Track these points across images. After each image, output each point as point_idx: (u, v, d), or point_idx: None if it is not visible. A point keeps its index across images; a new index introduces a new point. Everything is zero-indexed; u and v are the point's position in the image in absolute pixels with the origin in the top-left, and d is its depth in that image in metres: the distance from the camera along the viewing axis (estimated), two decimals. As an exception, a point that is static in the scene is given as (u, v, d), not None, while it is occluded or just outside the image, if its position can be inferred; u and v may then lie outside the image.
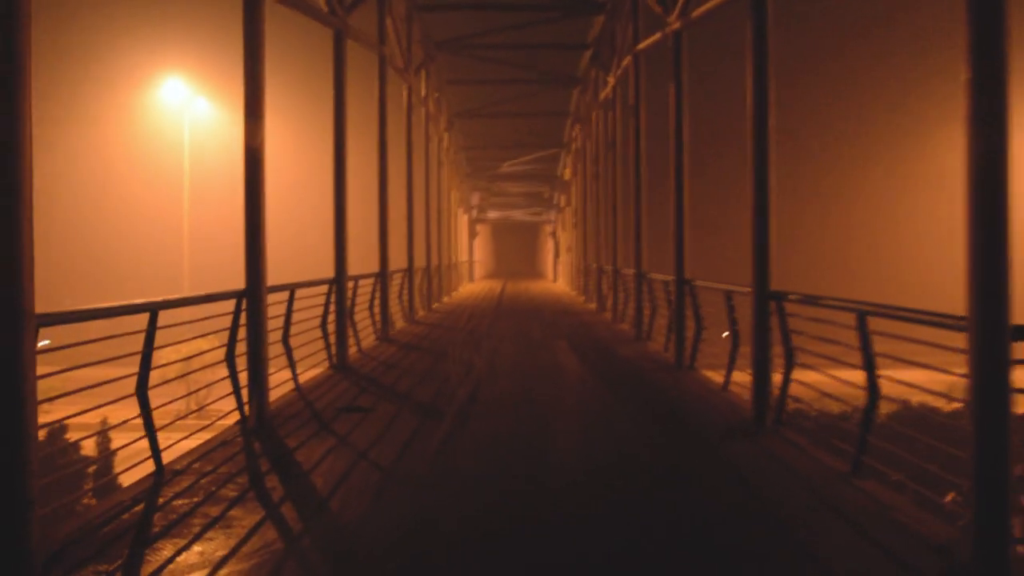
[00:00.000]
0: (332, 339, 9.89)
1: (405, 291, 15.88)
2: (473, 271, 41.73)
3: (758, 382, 6.75)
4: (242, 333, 6.80)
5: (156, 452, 5.16)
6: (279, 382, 8.17)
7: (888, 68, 48.20)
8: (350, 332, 10.60)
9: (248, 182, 6.94)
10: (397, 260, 14.64)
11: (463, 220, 38.14)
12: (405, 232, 16.12)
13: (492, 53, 19.70)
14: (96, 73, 43.14)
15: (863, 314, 5.21)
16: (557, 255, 42.76)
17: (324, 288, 9.84)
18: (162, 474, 5.09)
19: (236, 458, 5.55)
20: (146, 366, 5.10)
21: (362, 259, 12.99)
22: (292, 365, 8.35)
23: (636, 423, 6.99)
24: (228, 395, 6.91)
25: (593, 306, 20.04)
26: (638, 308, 13.13)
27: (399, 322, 15.14)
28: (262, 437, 6.27)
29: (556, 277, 41.50)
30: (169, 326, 6.01)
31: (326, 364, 9.77)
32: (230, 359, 6.63)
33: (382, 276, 13.00)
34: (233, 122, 47.67)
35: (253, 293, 6.82)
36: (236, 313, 6.72)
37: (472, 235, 43.91)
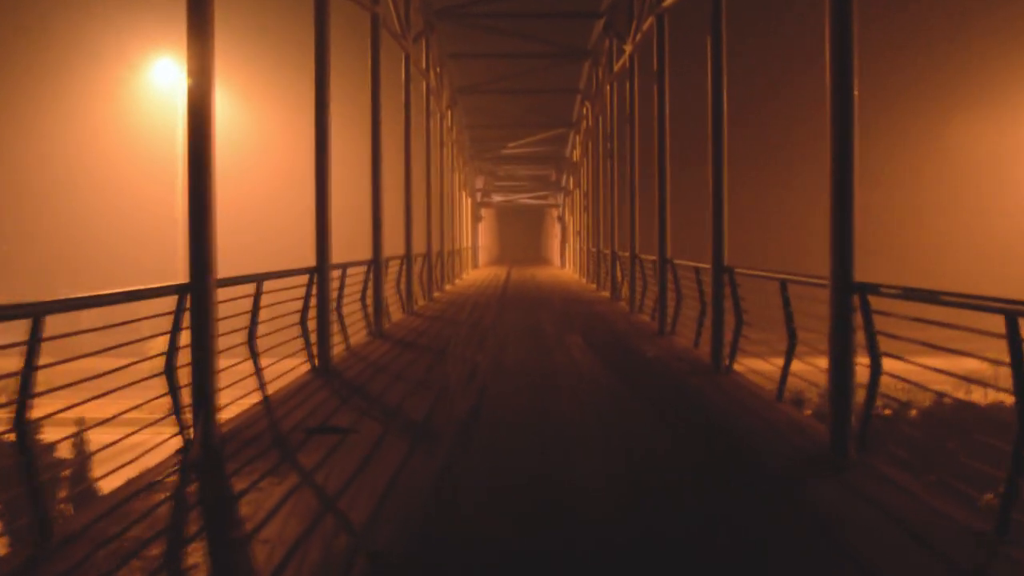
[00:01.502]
0: (314, 338, 8.51)
1: (403, 279, 14.45)
2: (477, 257, 40.28)
3: (838, 398, 5.32)
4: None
5: (42, 517, 3.74)
6: (247, 390, 6.81)
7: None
8: (335, 329, 9.20)
9: (192, 153, 5.50)
10: (395, 246, 13.25)
11: (466, 204, 36.62)
12: (403, 216, 14.70)
13: (496, 23, 18.18)
14: (85, 57, 41.67)
15: (1014, 315, 3.77)
16: (565, 240, 41.29)
17: (304, 279, 8.46)
18: (50, 540, 3.69)
19: (157, 511, 4.13)
20: (24, 392, 3.70)
21: (365, 246, 11.57)
22: (258, 372, 6.94)
23: (680, 452, 5.57)
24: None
25: (606, 294, 18.63)
26: (661, 298, 11.74)
27: (396, 313, 13.72)
28: (203, 475, 4.85)
29: (564, 263, 40.04)
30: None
31: (306, 367, 8.38)
32: (169, 370, 5.22)
33: (375, 264, 11.57)
34: (230, 104, 46.18)
35: (199, 287, 5.41)
36: (178, 312, 5.32)
37: (476, 220, 42.41)
